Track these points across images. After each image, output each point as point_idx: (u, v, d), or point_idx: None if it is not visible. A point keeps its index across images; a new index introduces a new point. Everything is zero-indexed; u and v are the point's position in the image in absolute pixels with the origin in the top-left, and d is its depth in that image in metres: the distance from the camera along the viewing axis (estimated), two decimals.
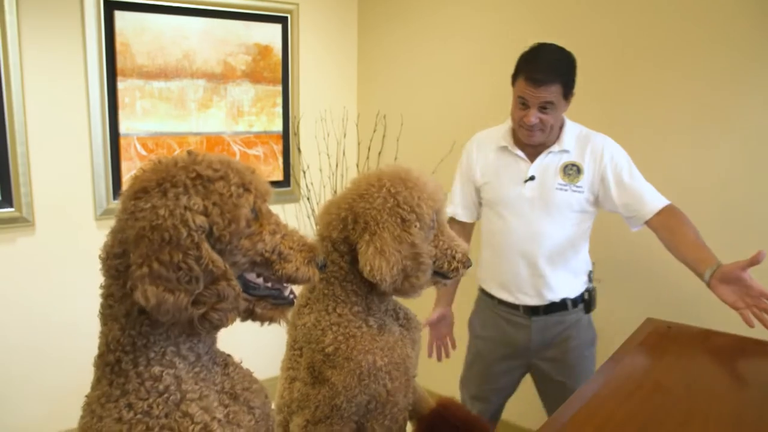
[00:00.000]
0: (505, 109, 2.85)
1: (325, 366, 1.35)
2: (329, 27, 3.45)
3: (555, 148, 1.98)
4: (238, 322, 1.08)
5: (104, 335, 1.02)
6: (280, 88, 3.28)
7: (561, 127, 2.00)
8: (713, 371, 1.59)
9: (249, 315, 1.09)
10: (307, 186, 3.43)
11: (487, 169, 2.09)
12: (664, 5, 2.31)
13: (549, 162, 1.99)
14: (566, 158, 1.98)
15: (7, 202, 2.56)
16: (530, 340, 2.08)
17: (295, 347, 1.43)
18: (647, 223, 1.92)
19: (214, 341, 1.11)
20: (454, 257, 1.45)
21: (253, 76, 3.18)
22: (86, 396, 1.05)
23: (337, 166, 3.51)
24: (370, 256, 1.31)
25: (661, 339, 1.82)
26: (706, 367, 1.62)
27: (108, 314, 1.01)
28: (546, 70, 1.85)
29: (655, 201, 1.91)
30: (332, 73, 3.50)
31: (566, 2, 2.60)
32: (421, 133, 3.26)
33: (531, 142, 1.97)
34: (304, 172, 3.42)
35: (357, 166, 3.59)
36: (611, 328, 2.23)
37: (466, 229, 2.22)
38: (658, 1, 2.33)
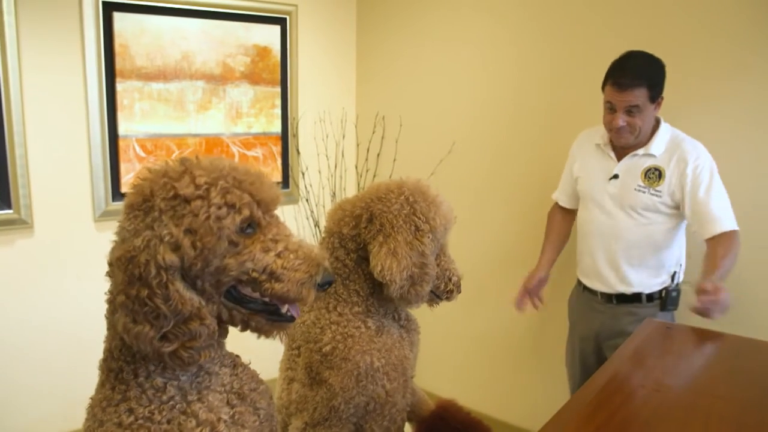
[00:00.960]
0: (503, 109, 2.86)
1: (323, 367, 1.35)
2: (328, 28, 3.45)
3: (641, 151, 2.09)
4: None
5: (108, 341, 1.02)
6: (278, 89, 3.28)
7: (655, 131, 2.08)
8: (714, 371, 1.59)
9: (245, 327, 1.07)
10: (306, 187, 3.43)
11: (583, 164, 2.28)
12: (665, 4, 2.31)
13: (633, 163, 2.10)
14: (651, 162, 2.07)
15: (6, 203, 2.55)
16: (602, 325, 2.22)
17: (293, 346, 1.43)
18: (706, 242, 1.99)
19: (221, 345, 1.10)
20: (450, 279, 1.49)
21: (252, 77, 3.18)
22: (90, 398, 1.05)
23: (336, 167, 3.51)
24: (383, 257, 1.33)
25: (661, 339, 1.82)
26: (707, 367, 1.62)
27: (111, 320, 1.01)
28: (631, 75, 1.97)
29: (716, 224, 1.96)
30: (331, 74, 3.50)
31: (564, 3, 2.60)
32: (420, 135, 3.26)
33: (621, 143, 2.10)
34: (303, 174, 3.42)
35: (356, 167, 3.59)
36: None
37: (569, 215, 2.43)
38: (658, 1, 2.33)
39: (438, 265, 1.46)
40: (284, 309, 1.06)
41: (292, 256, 1.02)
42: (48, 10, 2.58)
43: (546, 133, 2.72)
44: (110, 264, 0.98)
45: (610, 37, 2.46)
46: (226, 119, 3.12)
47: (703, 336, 1.85)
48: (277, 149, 3.33)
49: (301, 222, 3.46)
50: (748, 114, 2.16)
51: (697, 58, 2.25)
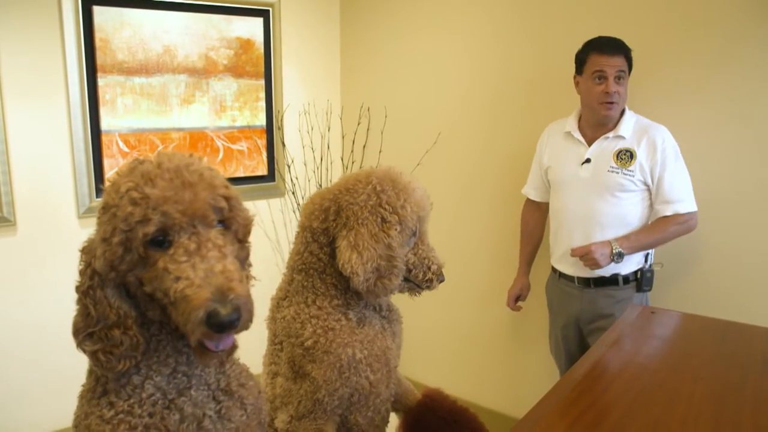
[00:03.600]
0: (488, 99, 2.86)
1: (305, 360, 1.35)
2: (311, 19, 3.43)
3: (611, 134, 2.16)
4: None
5: None
6: (262, 82, 3.27)
7: (621, 116, 2.17)
8: (698, 354, 1.61)
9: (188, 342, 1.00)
10: (291, 180, 3.42)
11: (553, 154, 2.33)
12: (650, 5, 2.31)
13: (605, 147, 2.17)
14: (621, 144, 2.14)
15: None
16: (581, 310, 2.26)
17: (275, 341, 1.42)
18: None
19: None
20: (429, 268, 1.45)
21: (236, 70, 3.16)
22: (82, 385, 1.05)
23: (321, 159, 3.51)
24: (344, 250, 1.31)
25: (646, 324, 1.84)
26: (690, 351, 1.64)
27: None
28: (613, 43, 2.11)
29: (673, 206, 2.07)
30: (315, 66, 3.49)
31: None
32: (406, 125, 3.26)
33: (610, 115, 2.13)
34: (289, 167, 3.41)
35: (342, 159, 3.58)
36: None
37: (540, 208, 2.51)
38: None
39: (416, 254, 1.44)
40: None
41: (184, 284, 0.87)
42: (26, 4, 2.55)
43: (531, 122, 2.72)
44: None
45: (593, 27, 2.46)
46: (210, 113, 3.11)
47: (685, 320, 1.87)
48: (262, 142, 3.32)
49: (288, 215, 3.45)
50: (730, 105, 2.17)
51: (680, 49, 2.26)
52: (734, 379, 1.43)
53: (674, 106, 2.28)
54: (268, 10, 3.22)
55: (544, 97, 2.66)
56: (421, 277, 1.46)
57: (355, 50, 3.49)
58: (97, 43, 2.73)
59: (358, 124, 3.46)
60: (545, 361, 2.67)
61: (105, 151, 2.82)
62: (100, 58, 2.75)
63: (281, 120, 3.35)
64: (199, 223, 0.92)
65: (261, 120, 3.29)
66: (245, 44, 3.18)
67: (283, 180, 3.40)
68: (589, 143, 2.21)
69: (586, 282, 2.24)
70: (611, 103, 2.10)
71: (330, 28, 3.52)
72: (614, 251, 2.08)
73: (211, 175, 0.97)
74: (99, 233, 0.94)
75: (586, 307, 2.25)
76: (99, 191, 2.78)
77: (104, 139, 2.81)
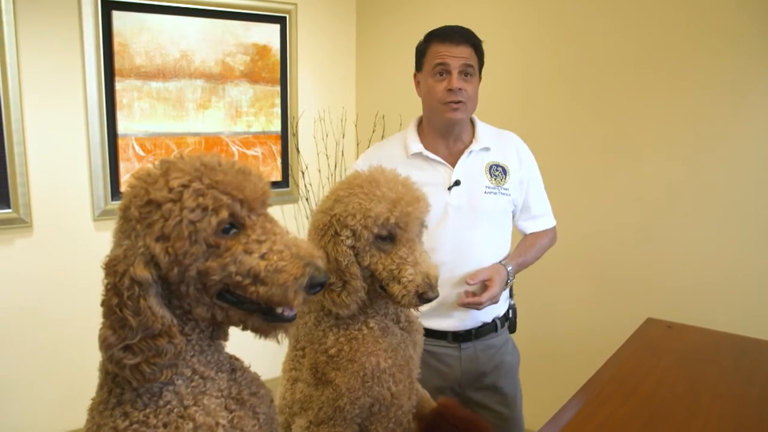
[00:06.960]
0: (505, 108, 2.85)
1: (329, 367, 1.33)
2: (327, 27, 3.45)
3: (475, 146, 1.78)
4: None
5: None
6: (278, 88, 3.28)
7: (474, 125, 1.85)
8: (714, 370, 1.59)
9: (244, 327, 1.03)
10: (305, 186, 3.42)
11: None
12: (665, 6, 2.30)
13: (472, 163, 1.78)
14: (490, 158, 1.79)
15: (5, 203, 2.55)
16: (461, 372, 1.81)
17: (297, 347, 1.41)
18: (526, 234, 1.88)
19: (218, 349, 1.08)
20: (399, 281, 1.27)
21: (252, 76, 3.18)
22: (92, 399, 1.05)
23: (335, 166, 3.51)
24: None
25: (661, 339, 1.82)
26: (708, 367, 1.62)
27: None
28: (459, 32, 1.75)
29: (542, 221, 1.85)
30: (331, 73, 3.50)
31: (565, 3, 2.59)
32: None
33: (455, 118, 1.74)
34: (303, 173, 3.42)
35: None
36: (615, 328, 2.22)
37: None
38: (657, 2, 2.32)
39: (385, 266, 1.29)
40: (279, 309, 1.00)
41: (275, 257, 0.95)
42: (47, 8, 2.58)
43: (549, 131, 2.71)
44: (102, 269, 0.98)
45: (615, 34, 2.45)
46: (226, 118, 3.12)
47: (702, 335, 1.85)
48: (276, 148, 3.33)
49: (301, 221, 3.46)
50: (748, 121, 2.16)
51: (700, 62, 2.25)
52: (754, 394, 1.41)
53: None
54: (285, 17, 3.24)
55: (565, 106, 2.65)
56: (391, 290, 1.29)
57: (371, 58, 3.50)
58: (116, 47, 2.76)
59: (373, 131, 3.47)
60: (563, 372, 2.66)
61: (121, 155, 2.84)
62: (118, 63, 2.77)
63: (296, 126, 3.36)
64: (261, 206, 0.99)
65: (276, 126, 3.31)
66: (262, 50, 3.19)
67: (297, 186, 3.41)
68: (451, 162, 1.78)
69: (465, 336, 1.78)
70: (457, 102, 1.71)
71: (346, 35, 3.54)
72: (509, 278, 1.71)
73: (255, 166, 1.04)
74: (150, 234, 0.91)
75: (467, 367, 1.79)
76: (115, 194, 2.81)
77: (120, 142, 2.83)
